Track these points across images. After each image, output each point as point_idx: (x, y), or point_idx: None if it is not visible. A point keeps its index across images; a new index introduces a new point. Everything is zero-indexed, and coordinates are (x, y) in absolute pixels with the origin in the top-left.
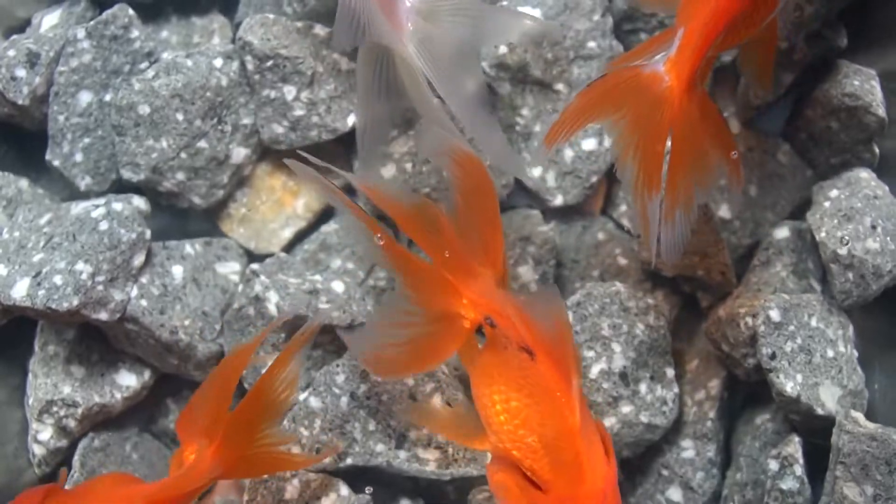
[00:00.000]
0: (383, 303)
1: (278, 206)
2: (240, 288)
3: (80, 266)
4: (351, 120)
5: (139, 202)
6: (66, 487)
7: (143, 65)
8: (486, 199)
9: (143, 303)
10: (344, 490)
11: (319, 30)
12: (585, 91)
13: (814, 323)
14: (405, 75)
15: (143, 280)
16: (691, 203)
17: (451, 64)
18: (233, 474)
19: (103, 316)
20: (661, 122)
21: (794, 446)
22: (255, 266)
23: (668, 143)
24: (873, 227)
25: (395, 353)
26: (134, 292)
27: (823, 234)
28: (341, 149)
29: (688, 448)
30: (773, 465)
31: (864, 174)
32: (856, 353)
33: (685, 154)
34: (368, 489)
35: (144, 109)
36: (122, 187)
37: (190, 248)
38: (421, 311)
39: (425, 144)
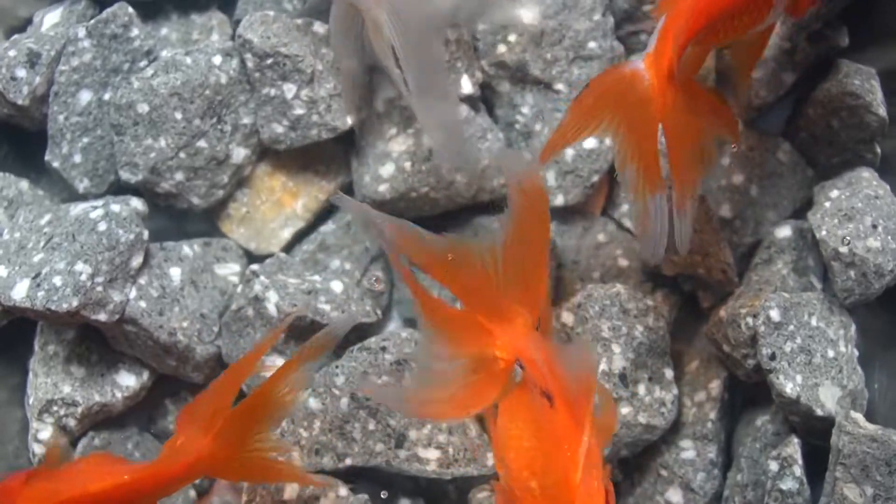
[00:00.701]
0: (420, 350)
1: (278, 206)
2: (239, 289)
3: (79, 266)
4: (351, 119)
5: (137, 203)
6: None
7: (143, 63)
8: (538, 235)
9: (142, 304)
10: (343, 490)
11: (319, 27)
12: (574, 104)
13: (814, 322)
14: (373, 39)
15: (142, 281)
16: (698, 191)
17: (418, 38)
18: (221, 473)
19: (102, 317)
20: (649, 119)
21: (793, 447)
22: (254, 266)
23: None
24: (874, 227)
25: (438, 399)
26: (133, 294)
27: (824, 233)
28: (341, 147)
29: (688, 449)
30: (773, 466)
31: (866, 174)
32: (856, 353)
33: (681, 146)
34: (384, 493)
35: (143, 108)
36: (120, 189)
37: (188, 249)
38: (458, 357)
39: (505, 161)
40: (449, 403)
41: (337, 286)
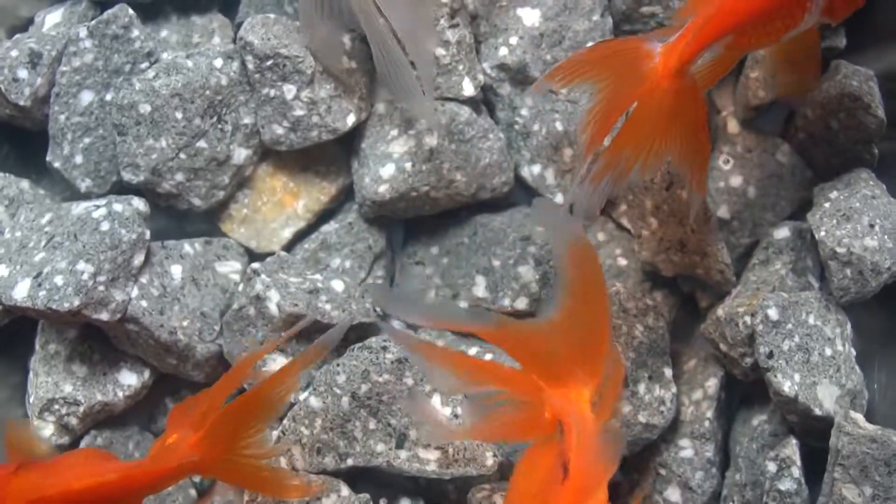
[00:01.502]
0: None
1: (279, 206)
2: (240, 287)
3: (81, 266)
4: (351, 119)
5: (139, 203)
6: None
7: (144, 65)
8: (595, 298)
9: (143, 303)
10: (344, 490)
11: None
12: (589, 49)
13: (811, 321)
14: None
15: (143, 280)
16: (623, 179)
17: None
18: (210, 472)
19: (104, 316)
20: (630, 93)
21: (791, 448)
22: (255, 265)
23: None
24: (871, 226)
25: (488, 425)
26: (134, 293)
27: (823, 233)
28: (342, 148)
29: (686, 448)
30: (771, 467)
31: (864, 174)
32: (854, 352)
33: (637, 132)
34: (383, 501)
35: (145, 108)
36: (122, 189)
37: (189, 247)
38: (512, 401)
39: (542, 216)
40: (496, 428)
41: (338, 285)
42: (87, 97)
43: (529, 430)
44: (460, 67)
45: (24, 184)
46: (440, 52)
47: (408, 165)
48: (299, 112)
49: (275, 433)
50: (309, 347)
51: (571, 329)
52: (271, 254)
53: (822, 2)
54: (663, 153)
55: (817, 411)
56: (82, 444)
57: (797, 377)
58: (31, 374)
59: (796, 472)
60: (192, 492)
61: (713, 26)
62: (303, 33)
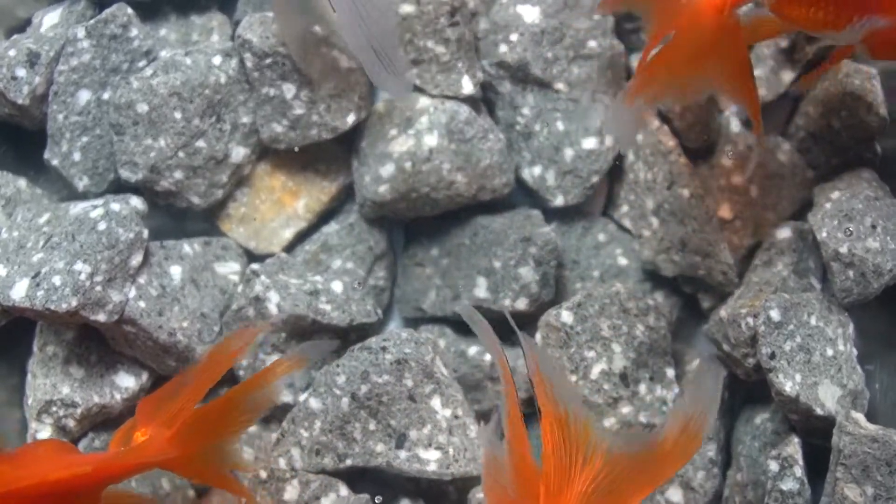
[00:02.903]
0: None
1: (278, 205)
2: (239, 288)
3: (78, 266)
4: (351, 118)
5: (136, 202)
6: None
7: (142, 63)
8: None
9: (142, 304)
10: (343, 491)
11: (318, 28)
12: None
13: (813, 321)
14: None
15: (142, 281)
16: (655, 101)
17: None
18: (179, 469)
19: (101, 317)
20: (673, 22)
21: (793, 447)
22: (255, 266)
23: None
24: (873, 227)
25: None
26: (132, 293)
27: (825, 234)
28: (342, 147)
29: None
30: (774, 466)
31: (866, 174)
32: (855, 352)
33: (673, 58)
34: (378, 498)
35: (143, 108)
36: (120, 187)
37: (188, 247)
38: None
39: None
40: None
41: (338, 286)
42: (84, 96)
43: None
44: (459, 65)
45: (22, 182)
46: (440, 49)
47: (407, 165)
48: (299, 111)
49: (274, 435)
50: (291, 353)
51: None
52: (271, 255)
53: (868, 27)
54: (700, 85)
55: (819, 411)
56: (80, 446)
57: (798, 377)
58: (29, 376)
59: (798, 471)
60: (191, 492)
61: None
62: (277, 24)
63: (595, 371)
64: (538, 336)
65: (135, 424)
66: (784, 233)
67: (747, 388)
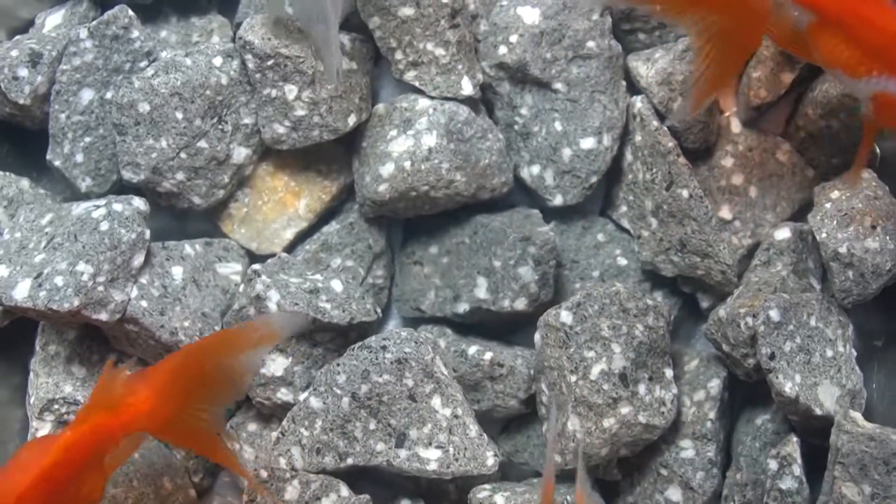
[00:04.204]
0: None
1: (280, 206)
2: (241, 288)
3: (81, 266)
4: (352, 120)
5: (139, 203)
6: None
7: (143, 64)
8: None
9: (143, 304)
10: (344, 491)
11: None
12: None
13: (813, 322)
14: None
15: (143, 280)
16: (712, 87)
17: None
18: (162, 432)
19: (103, 317)
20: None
21: (792, 446)
22: (256, 266)
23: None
24: (873, 227)
25: None
26: (134, 293)
27: (824, 235)
28: (342, 148)
29: (687, 448)
30: (773, 465)
31: (866, 174)
32: (854, 352)
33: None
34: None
35: (144, 107)
36: (122, 188)
37: (190, 248)
38: None
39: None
40: None
41: (337, 285)
42: (87, 95)
43: None
44: (459, 67)
45: (24, 183)
46: (440, 52)
47: (407, 164)
48: (301, 112)
49: (274, 434)
50: (259, 320)
51: None
52: (272, 255)
53: (882, 88)
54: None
55: (818, 411)
56: None
57: (798, 378)
58: (31, 375)
59: (797, 470)
60: (192, 492)
61: None
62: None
63: (595, 371)
64: (538, 336)
65: (106, 388)
66: (783, 233)
67: (748, 389)
